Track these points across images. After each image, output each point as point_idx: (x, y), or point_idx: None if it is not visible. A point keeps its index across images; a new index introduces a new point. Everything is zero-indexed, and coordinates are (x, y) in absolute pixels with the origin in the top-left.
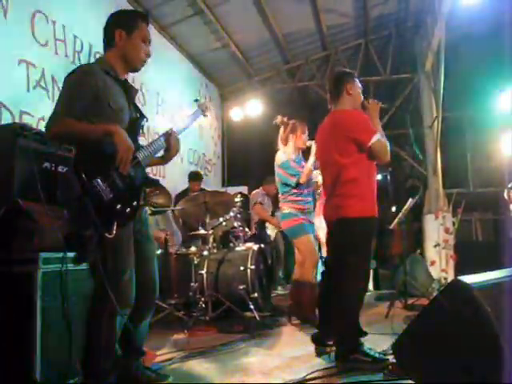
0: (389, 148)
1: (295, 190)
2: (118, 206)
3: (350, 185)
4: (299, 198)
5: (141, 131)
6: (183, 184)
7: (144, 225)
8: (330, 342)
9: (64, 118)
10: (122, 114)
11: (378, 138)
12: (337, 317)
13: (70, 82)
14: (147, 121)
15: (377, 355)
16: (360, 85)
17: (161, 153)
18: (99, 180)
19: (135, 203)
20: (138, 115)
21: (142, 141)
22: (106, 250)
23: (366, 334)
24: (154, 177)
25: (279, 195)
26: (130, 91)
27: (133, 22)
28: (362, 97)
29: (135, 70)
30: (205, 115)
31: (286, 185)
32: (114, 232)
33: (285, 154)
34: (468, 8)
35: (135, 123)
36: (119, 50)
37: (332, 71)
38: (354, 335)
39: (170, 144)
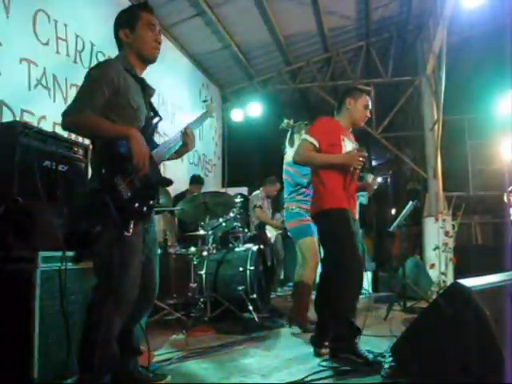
0: (305, 158)
1: (304, 190)
2: (136, 205)
3: (320, 181)
4: (307, 199)
5: (155, 130)
6: (183, 184)
7: (152, 225)
8: (327, 343)
9: (82, 110)
10: (140, 112)
11: (311, 141)
12: (331, 315)
13: (93, 73)
14: (161, 120)
15: (370, 357)
16: (368, 102)
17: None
18: (119, 178)
19: (152, 202)
20: (153, 114)
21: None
22: (117, 249)
23: (360, 331)
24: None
25: (285, 195)
26: (147, 90)
27: (132, 16)
28: (368, 114)
29: (152, 60)
30: (211, 116)
31: (297, 184)
32: (131, 230)
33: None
34: (469, 11)
35: (150, 122)
36: (129, 47)
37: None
38: (347, 333)
39: (187, 140)
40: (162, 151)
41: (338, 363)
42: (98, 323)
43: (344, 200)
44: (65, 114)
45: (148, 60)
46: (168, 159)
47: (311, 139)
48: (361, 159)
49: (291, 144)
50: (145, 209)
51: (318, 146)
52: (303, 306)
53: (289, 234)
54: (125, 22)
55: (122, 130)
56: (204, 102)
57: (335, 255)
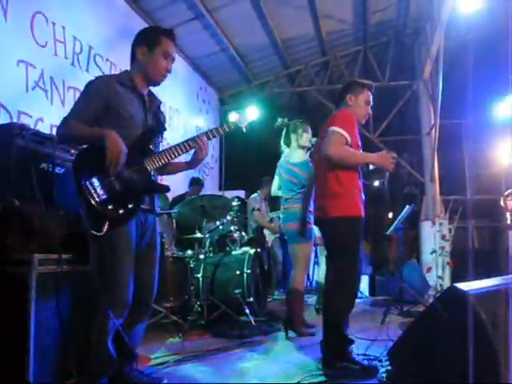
0: (343, 153)
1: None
2: (110, 207)
3: (334, 185)
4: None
5: (158, 139)
6: (181, 187)
7: (149, 230)
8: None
9: (70, 121)
10: (132, 121)
11: (342, 134)
12: (324, 324)
13: (86, 89)
14: (165, 130)
15: (366, 363)
16: (369, 98)
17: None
18: (94, 180)
19: (131, 206)
20: (155, 124)
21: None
22: (104, 250)
23: (353, 342)
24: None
25: (286, 194)
26: (150, 102)
27: (155, 37)
28: (370, 111)
29: (155, 84)
30: (241, 126)
31: (304, 186)
32: (104, 231)
33: (298, 153)
34: (467, 16)
35: (150, 131)
36: (141, 65)
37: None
38: (341, 342)
39: (196, 148)
40: (159, 159)
41: (334, 373)
42: (92, 328)
43: (362, 206)
44: (57, 129)
45: (151, 83)
46: (181, 170)
47: (343, 132)
48: (393, 161)
49: (287, 143)
50: (121, 211)
51: (349, 141)
52: (297, 310)
53: (285, 235)
54: (145, 41)
55: (99, 132)
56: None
57: (341, 268)
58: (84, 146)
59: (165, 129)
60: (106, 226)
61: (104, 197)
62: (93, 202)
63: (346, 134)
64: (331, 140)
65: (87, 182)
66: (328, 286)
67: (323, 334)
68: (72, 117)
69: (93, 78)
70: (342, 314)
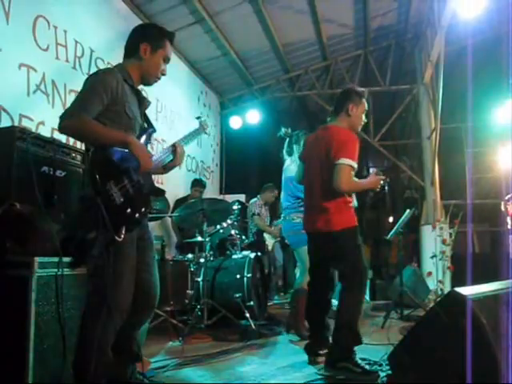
0: (353, 187)
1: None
2: (128, 211)
3: (329, 199)
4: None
5: (149, 141)
6: (182, 191)
7: (146, 231)
8: (322, 352)
9: (81, 114)
10: (135, 122)
11: (351, 165)
12: (336, 328)
13: (92, 80)
14: (155, 131)
15: (367, 367)
16: (365, 107)
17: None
18: (112, 183)
19: (143, 209)
20: (147, 125)
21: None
22: (109, 253)
23: (360, 342)
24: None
25: (286, 203)
26: (142, 102)
27: (160, 38)
28: (365, 119)
29: (148, 84)
30: (205, 133)
31: (298, 197)
32: (123, 236)
33: (296, 166)
34: (467, 21)
35: (144, 133)
36: (140, 62)
37: (346, 86)
38: (349, 344)
39: (176, 155)
40: (154, 162)
41: (335, 372)
42: (92, 331)
43: (353, 214)
44: (62, 117)
45: (145, 83)
46: (155, 173)
47: (352, 163)
48: (381, 183)
49: (289, 153)
50: (137, 215)
51: (356, 167)
52: (302, 312)
53: (287, 241)
54: (151, 39)
55: (121, 137)
56: (197, 118)
57: (355, 271)
58: (96, 150)
59: (155, 130)
60: (123, 230)
61: (122, 199)
62: (115, 205)
63: (354, 163)
64: (342, 176)
65: (108, 185)
66: (341, 297)
67: (333, 334)
68: (81, 109)
69: (99, 70)
70: (358, 312)
